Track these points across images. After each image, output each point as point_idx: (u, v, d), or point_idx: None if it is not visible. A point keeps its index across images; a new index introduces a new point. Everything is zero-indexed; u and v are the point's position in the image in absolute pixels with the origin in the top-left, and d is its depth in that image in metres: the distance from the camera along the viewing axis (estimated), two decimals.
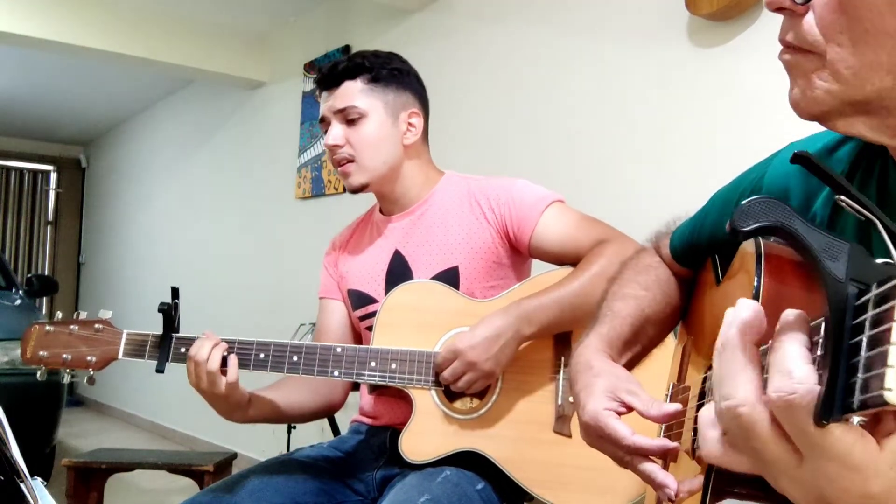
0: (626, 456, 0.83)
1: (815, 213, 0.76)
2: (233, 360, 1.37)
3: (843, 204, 0.53)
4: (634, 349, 0.99)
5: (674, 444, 0.82)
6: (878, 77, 0.59)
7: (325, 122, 1.52)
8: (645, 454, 0.82)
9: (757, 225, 0.51)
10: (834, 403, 0.43)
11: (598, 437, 0.86)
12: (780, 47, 0.66)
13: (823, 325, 0.47)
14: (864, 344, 0.42)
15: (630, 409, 0.85)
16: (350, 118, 1.48)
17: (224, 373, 1.36)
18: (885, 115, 0.62)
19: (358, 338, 1.61)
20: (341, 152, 1.49)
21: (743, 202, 0.52)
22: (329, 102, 1.50)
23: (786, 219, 0.50)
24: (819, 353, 0.47)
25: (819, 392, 0.45)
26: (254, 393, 1.44)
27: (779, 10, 0.64)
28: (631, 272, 1.06)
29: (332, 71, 1.50)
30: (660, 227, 1.12)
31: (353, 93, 1.48)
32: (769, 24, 2.12)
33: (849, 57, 0.60)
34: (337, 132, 1.49)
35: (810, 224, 0.49)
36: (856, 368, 0.42)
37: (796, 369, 0.47)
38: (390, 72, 1.51)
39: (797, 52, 0.64)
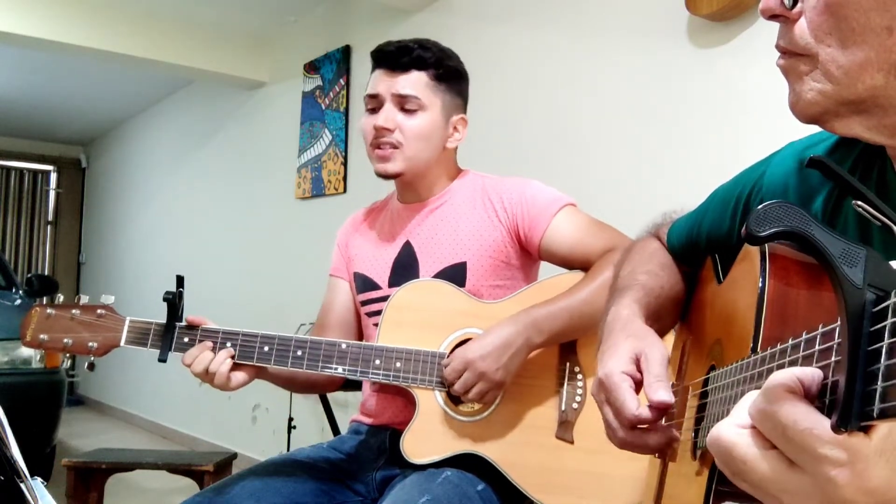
0: (621, 431, 0.82)
1: (815, 213, 0.77)
2: (229, 367, 1.37)
3: (861, 209, 0.53)
4: (656, 326, 0.97)
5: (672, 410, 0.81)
6: (869, 75, 0.61)
7: (375, 100, 1.49)
8: (645, 423, 0.81)
9: (774, 230, 0.51)
10: (852, 411, 0.43)
11: (605, 401, 0.84)
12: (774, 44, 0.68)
13: (838, 330, 0.47)
14: (883, 351, 0.42)
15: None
16: (408, 107, 1.47)
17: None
18: (880, 115, 0.63)
19: (359, 320, 1.61)
20: (389, 136, 1.47)
21: (759, 206, 0.52)
22: (390, 84, 1.47)
23: (803, 224, 0.50)
24: (833, 359, 0.47)
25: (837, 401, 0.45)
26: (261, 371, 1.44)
27: (773, 17, 0.66)
28: (642, 254, 1.05)
29: (401, 54, 1.47)
30: (655, 218, 1.13)
31: (419, 84, 1.47)
32: (769, 25, 2.12)
33: (839, 56, 0.62)
34: (391, 115, 1.46)
35: (827, 229, 0.49)
36: (874, 376, 0.42)
37: (772, 378, 0.48)
38: (454, 73, 1.53)
39: (792, 57, 0.66)
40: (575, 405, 1.39)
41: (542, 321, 1.35)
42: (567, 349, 1.42)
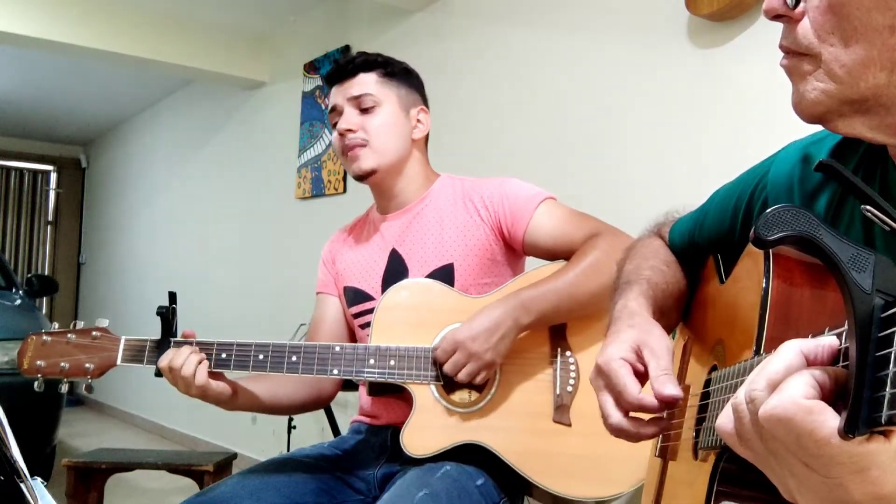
0: (614, 416, 0.81)
1: (819, 213, 0.76)
2: (202, 368, 1.37)
3: (869, 214, 0.53)
4: (662, 321, 0.95)
5: (675, 398, 0.79)
6: (872, 74, 0.61)
7: (335, 112, 1.54)
8: (647, 410, 0.79)
9: (783, 234, 0.51)
10: (860, 416, 0.43)
11: (604, 386, 0.83)
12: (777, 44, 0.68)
13: (845, 334, 0.46)
14: (892, 357, 0.41)
15: (647, 369, 0.81)
16: (365, 106, 1.51)
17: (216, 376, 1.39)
18: (883, 114, 0.64)
19: (352, 334, 1.62)
20: (354, 137, 1.50)
21: (767, 211, 0.52)
22: (343, 91, 1.53)
23: (812, 229, 0.50)
24: (841, 363, 0.47)
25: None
26: (240, 385, 1.44)
27: (776, 17, 0.66)
28: (645, 251, 1.05)
29: (346, 64, 1.54)
30: (657, 217, 1.13)
31: (369, 83, 1.52)
32: (769, 25, 2.11)
33: (841, 55, 0.62)
34: (351, 117, 1.51)
35: (836, 233, 0.49)
36: (883, 382, 0.42)
37: (789, 386, 0.47)
38: (402, 71, 1.57)
39: (795, 56, 0.66)
40: (569, 388, 1.41)
41: (529, 302, 1.37)
42: (557, 334, 1.44)
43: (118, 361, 1.44)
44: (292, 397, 1.55)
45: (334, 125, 1.54)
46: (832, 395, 0.47)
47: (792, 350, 0.49)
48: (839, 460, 0.45)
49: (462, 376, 1.36)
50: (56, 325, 1.50)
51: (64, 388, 1.47)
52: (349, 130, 1.50)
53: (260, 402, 1.49)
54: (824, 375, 0.47)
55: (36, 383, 1.44)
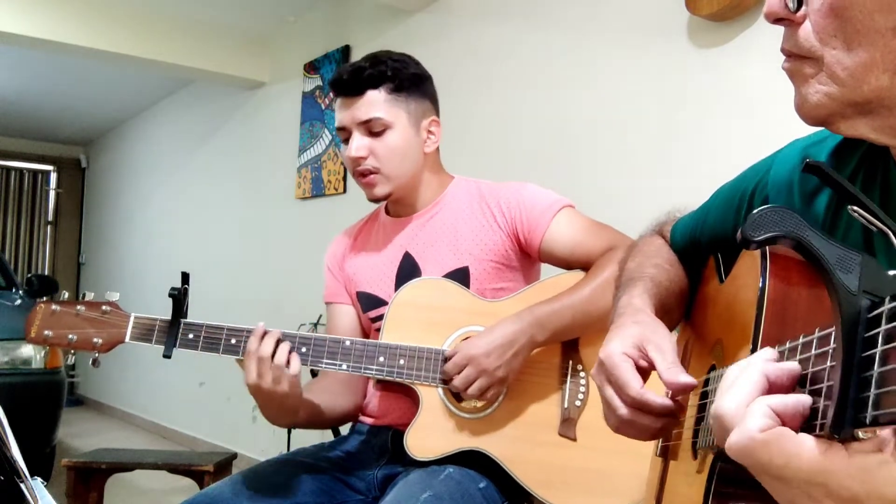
0: (623, 409, 0.80)
1: (817, 214, 0.76)
2: (295, 358, 1.34)
3: (856, 215, 0.54)
4: (665, 319, 0.95)
5: (677, 405, 0.79)
6: (874, 76, 0.61)
7: (344, 132, 1.49)
8: (648, 411, 0.79)
9: (769, 235, 0.51)
10: (845, 417, 0.43)
11: (606, 381, 0.83)
12: (779, 47, 0.68)
13: (833, 335, 0.47)
14: (877, 358, 0.42)
15: (651, 364, 0.81)
16: (374, 130, 1.46)
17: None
18: (886, 115, 0.63)
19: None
20: (365, 164, 1.47)
21: (754, 211, 0.52)
22: (351, 113, 1.47)
23: (798, 230, 0.50)
24: (829, 363, 0.47)
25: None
26: (304, 395, 1.41)
27: (777, 21, 0.66)
28: (648, 249, 1.05)
29: (353, 78, 1.46)
30: (659, 216, 1.13)
31: (377, 103, 1.46)
32: (769, 25, 2.11)
33: (844, 58, 0.62)
34: (360, 143, 1.46)
35: (823, 234, 0.49)
36: (868, 383, 0.42)
37: (746, 421, 0.50)
38: (411, 79, 1.50)
39: (797, 60, 0.66)
40: (578, 402, 1.40)
41: (545, 319, 1.36)
42: (569, 347, 1.43)
43: (127, 339, 1.42)
44: (345, 407, 1.53)
45: (343, 140, 1.51)
46: (794, 418, 0.49)
47: (756, 373, 0.51)
48: (795, 483, 0.47)
49: (472, 391, 1.34)
50: (66, 293, 1.47)
51: (70, 360, 1.45)
52: (360, 158, 1.46)
53: (317, 416, 1.46)
54: (783, 403, 0.49)
55: (38, 356, 1.42)
